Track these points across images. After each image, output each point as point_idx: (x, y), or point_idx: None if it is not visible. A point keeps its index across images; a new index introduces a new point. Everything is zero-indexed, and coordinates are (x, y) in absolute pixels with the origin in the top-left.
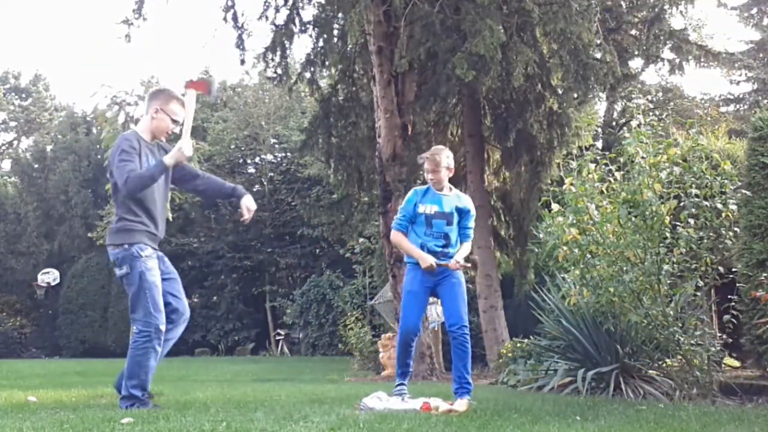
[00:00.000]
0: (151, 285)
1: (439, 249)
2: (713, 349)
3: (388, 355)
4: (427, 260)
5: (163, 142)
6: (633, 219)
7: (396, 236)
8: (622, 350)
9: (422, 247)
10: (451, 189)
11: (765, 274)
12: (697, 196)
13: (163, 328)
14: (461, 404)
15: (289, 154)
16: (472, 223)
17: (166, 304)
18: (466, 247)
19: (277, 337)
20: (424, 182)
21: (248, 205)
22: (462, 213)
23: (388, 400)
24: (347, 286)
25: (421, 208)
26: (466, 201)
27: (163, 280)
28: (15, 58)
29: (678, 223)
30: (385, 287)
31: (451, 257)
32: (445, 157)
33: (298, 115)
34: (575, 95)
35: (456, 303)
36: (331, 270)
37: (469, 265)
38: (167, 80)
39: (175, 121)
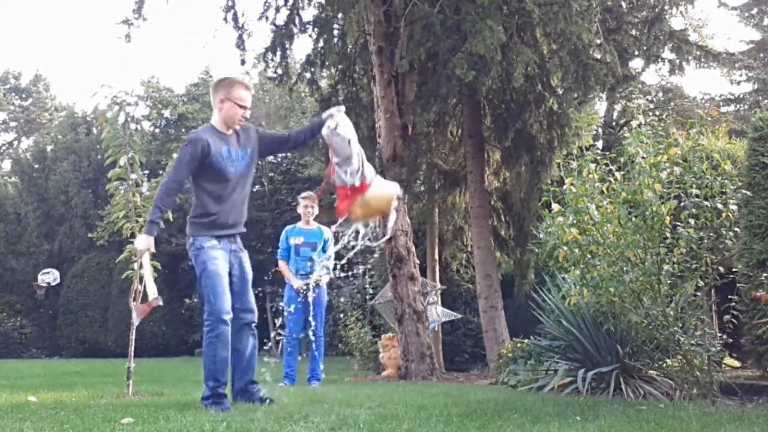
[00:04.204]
0: (211, 273)
1: (307, 271)
2: (713, 349)
3: (388, 355)
4: (297, 283)
5: (243, 126)
6: (633, 219)
7: (279, 264)
8: (622, 350)
9: (296, 271)
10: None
11: (765, 274)
12: (697, 196)
13: (226, 317)
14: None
15: (289, 154)
16: (331, 249)
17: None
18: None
19: (278, 338)
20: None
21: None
22: (326, 242)
23: None
24: (347, 286)
25: (291, 240)
26: (327, 232)
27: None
28: (15, 58)
29: (678, 223)
30: (385, 287)
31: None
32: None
33: (298, 115)
34: (575, 95)
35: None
36: None
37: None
38: (167, 80)
39: (242, 107)
